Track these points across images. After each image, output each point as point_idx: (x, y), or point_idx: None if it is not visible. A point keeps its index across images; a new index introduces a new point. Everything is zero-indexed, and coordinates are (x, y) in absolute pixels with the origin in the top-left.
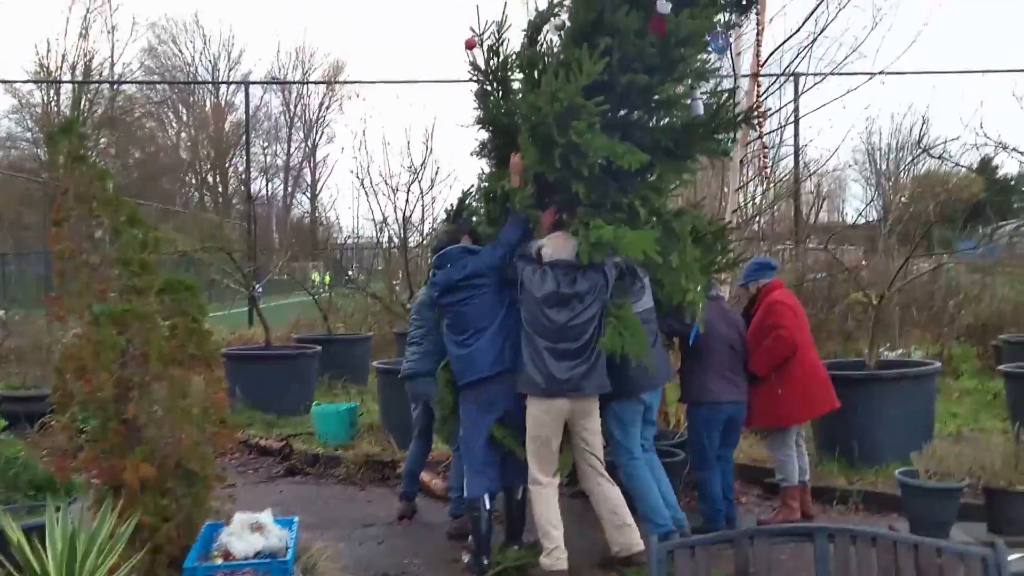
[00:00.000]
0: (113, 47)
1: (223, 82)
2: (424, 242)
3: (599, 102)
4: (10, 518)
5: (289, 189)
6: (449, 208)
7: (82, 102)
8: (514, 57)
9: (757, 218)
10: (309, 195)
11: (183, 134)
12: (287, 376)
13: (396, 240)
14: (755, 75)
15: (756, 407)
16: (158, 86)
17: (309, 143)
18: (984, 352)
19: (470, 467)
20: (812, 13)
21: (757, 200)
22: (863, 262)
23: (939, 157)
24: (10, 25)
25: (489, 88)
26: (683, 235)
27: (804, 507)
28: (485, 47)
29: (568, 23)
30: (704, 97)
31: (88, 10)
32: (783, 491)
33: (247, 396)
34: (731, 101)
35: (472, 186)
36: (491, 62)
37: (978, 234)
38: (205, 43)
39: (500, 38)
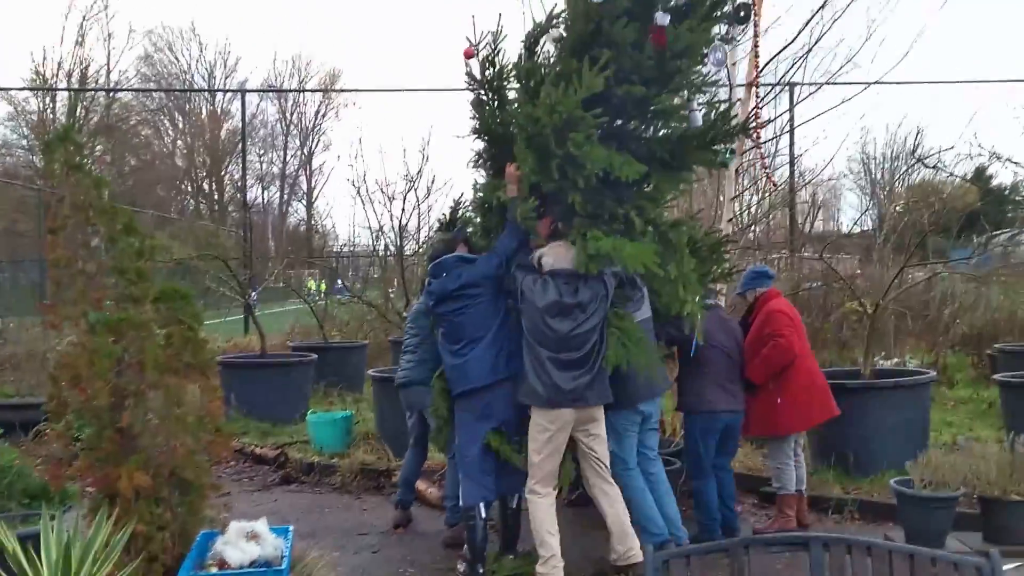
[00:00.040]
0: (109, 55)
1: (219, 90)
2: (420, 251)
3: (597, 114)
4: (5, 527)
5: (285, 197)
6: (442, 217)
7: (78, 109)
8: (510, 67)
9: (753, 227)
10: (305, 203)
11: (179, 142)
12: (282, 384)
13: (392, 248)
14: (751, 85)
15: (754, 416)
16: (154, 94)
17: (305, 151)
18: (979, 361)
19: (465, 476)
20: (807, 24)
21: (753, 209)
22: (858, 271)
23: (934, 167)
24: (6, 32)
25: (485, 98)
26: (680, 246)
27: (800, 516)
28: (480, 57)
29: (564, 34)
30: (701, 109)
31: (84, 18)
32: (779, 500)
33: (242, 404)
34: (728, 112)
35: (461, 195)
36: (487, 72)
37: (973, 243)
38: (201, 51)
39: (496, 48)
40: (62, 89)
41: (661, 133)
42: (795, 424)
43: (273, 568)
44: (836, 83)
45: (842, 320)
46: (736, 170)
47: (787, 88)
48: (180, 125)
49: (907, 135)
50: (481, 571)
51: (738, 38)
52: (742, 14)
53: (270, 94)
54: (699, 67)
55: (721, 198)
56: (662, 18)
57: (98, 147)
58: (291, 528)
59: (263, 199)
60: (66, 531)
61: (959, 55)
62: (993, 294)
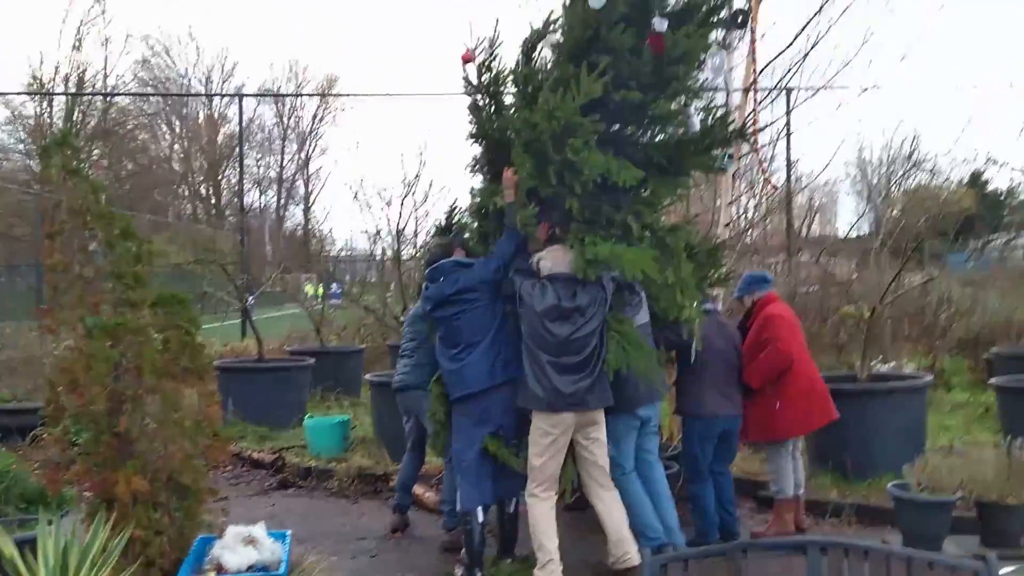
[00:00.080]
0: (107, 59)
1: (217, 94)
2: (417, 255)
3: (595, 120)
4: (2, 531)
5: (282, 201)
6: (438, 222)
7: (75, 114)
8: (507, 72)
9: (750, 231)
10: (302, 207)
11: (176, 146)
12: (280, 389)
13: (390, 252)
14: (747, 90)
15: (753, 421)
16: (151, 98)
17: (302, 155)
18: (976, 365)
19: (463, 480)
20: (803, 29)
21: (750, 214)
22: (855, 275)
23: (930, 171)
24: (3, 37)
25: (482, 103)
26: (677, 251)
27: (797, 520)
28: (477, 62)
29: (562, 39)
30: (698, 114)
31: (82, 22)
32: (777, 503)
33: (240, 409)
34: (726, 117)
35: (455, 200)
36: (483, 77)
37: (969, 248)
38: (199, 55)
39: (492, 53)
40: (59, 93)
41: (658, 138)
42: (794, 429)
43: (271, 572)
44: (833, 87)
45: (839, 324)
46: (733, 175)
47: (784, 92)
48: (177, 129)
49: (904, 139)
50: (479, 575)
51: (735, 44)
52: (739, 19)
53: (267, 98)
54: (696, 72)
55: (718, 202)
56: (660, 24)
57: (95, 151)
58: (289, 533)
59: (260, 203)
60: (63, 536)
61: (956, 60)
62: (989, 298)
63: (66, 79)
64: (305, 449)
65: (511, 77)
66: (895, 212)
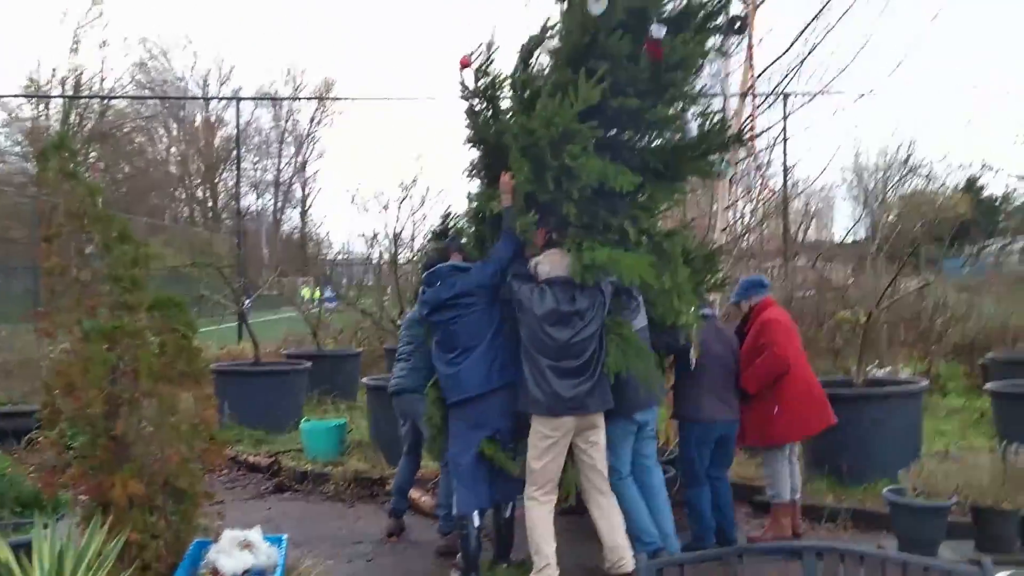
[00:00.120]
0: (104, 61)
1: (214, 97)
2: (414, 258)
3: (593, 126)
4: None
5: (279, 204)
6: (434, 227)
7: (72, 116)
8: (502, 77)
9: (746, 236)
10: (299, 210)
11: (173, 149)
12: (276, 392)
13: (387, 256)
14: (744, 95)
15: (751, 426)
16: (148, 101)
17: (299, 158)
18: (971, 370)
19: (459, 484)
20: (800, 34)
21: (746, 219)
22: (851, 280)
23: (926, 176)
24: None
25: (479, 107)
26: (674, 256)
27: (793, 525)
28: (474, 67)
29: (560, 44)
30: (696, 119)
31: (79, 25)
32: (774, 508)
33: (236, 412)
34: (722, 122)
35: (449, 207)
36: (480, 81)
37: (965, 253)
38: (196, 58)
39: (489, 58)
40: (56, 96)
41: (655, 143)
42: (792, 434)
43: None
44: (830, 92)
45: (835, 329)
46: (730, 179)
47: (781, 98)
48: (174, 132)
49: (900, 145)
50: None
51: (732, 50)
52: (736, 26)
53: (264, 101)
54: (694, 78)
55: (715, 207)
56: (658, 31)
57: (92, 154)
58: (285, 537)
59: (257, 207)
60: (59, 540)
61: (953, 63)
62: (985, 303)
63: (63, 82)
64: (301, 453)
65: (508, 82)
66: (891, 217)
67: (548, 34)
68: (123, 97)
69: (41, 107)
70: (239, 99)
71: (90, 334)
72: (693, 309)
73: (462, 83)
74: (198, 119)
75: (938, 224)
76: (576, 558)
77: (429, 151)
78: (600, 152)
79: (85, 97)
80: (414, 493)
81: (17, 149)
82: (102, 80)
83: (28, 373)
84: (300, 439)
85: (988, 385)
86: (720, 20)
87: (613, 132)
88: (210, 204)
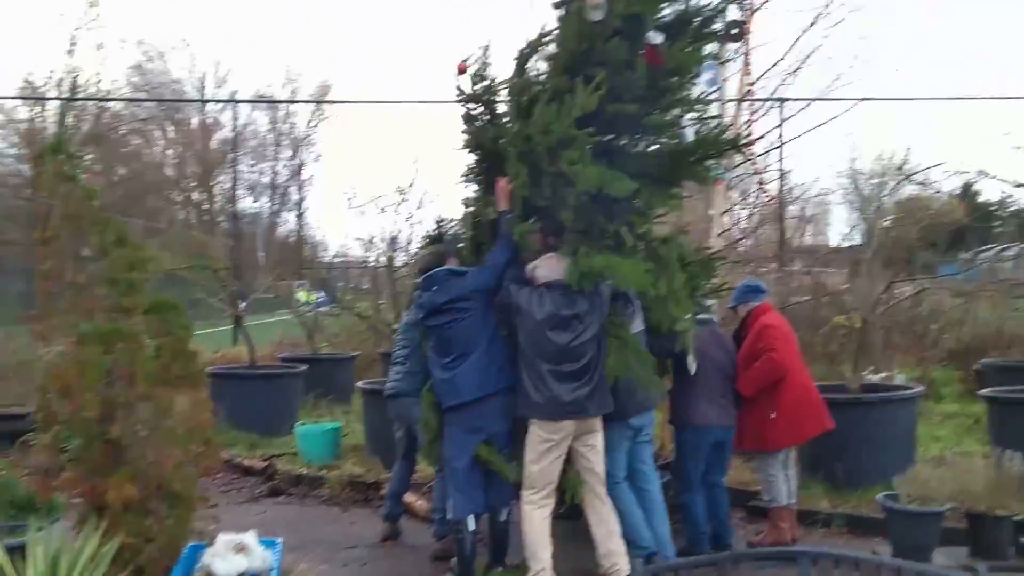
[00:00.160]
0: (100, 64)
1: (210, 100)
2: (411, 262)
3: (590, 133)
4: None
5: (275, 207)
6: (429, 232)
7: (67, 118)
8: (496, 82)
9: (742, 241)
10: (296, 213)
11: (169, 151)
12: (271, 395)
13: (383, 259)
14: (741, 100)
15: (748, 431)
16: (145, 103)
17: (296, 162)
18: (966, 376)
19: (454, 488)
20: (797, 41)
21: (742, 224)
22: (846, 285)
23: (921, 183)
24: None
25: (475, 112)
26: (670, 261)
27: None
28: (470, 72)
29: (557, 51)
30: (693, 125)
31: (76, 27)
32: (772, 512)
33: (230, 415)
34: (719, 128)
35: (439, 214)
36: (476, 86)
37: (960, 259)
38: (192, 61)
39: (485, 63)
40: (52, 98)
41: (652, 149)
42: (788, 439)
43: None
44: (826, 99)
45: (830, 334)
46: (727, 184)
47: (778, 103)
48: (171, 135)
49: (896, 151)
50: None
51: (730, 56)
52: (734, 32)
53: (261, 104)
54: (690, 84)
55: (711, 212)
56: (655, 37)
57: (88, 156)
58: (279, 540)
59: (255, 209)
60: (53, 543)
61: (951, 67)
62: (980, 309)
63: (59, 83)
64: (296, 456)
65: (505, 88)
66: (887, 223)
67: (545, 40)
68: (120, 99)
69: (37, 109)
70: (236, 102)
71: (86, 337)
72: (689, 315)
73: (459, 88)
74: (195, 122)
75: (933, 230)
76: (570, 562)
77: (426, 155)
78: (596, 157)
79: (81, 99)
80: (409, 497)
81: (12, 151)
82: (99, 82)
83: (23, 375)
84: (295, 443)
85: (983, 391)
86: (717, 26)
87: (610, 137)
88: (206, 207)
